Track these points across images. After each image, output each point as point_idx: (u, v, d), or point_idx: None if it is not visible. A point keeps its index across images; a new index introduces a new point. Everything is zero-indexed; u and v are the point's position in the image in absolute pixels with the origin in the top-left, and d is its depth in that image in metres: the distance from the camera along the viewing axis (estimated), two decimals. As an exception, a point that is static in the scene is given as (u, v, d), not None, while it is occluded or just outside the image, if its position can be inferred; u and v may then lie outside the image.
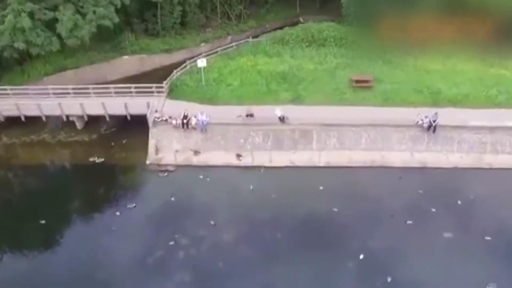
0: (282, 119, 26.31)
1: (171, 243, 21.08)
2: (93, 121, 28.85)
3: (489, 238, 21.08)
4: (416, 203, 23.22)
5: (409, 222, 22.00)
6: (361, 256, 20.20)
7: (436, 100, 28.50)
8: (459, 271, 19.58)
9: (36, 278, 19.59)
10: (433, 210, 22.72)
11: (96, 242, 21.32)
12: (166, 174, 25.37)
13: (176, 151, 26.22)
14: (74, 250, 20.97)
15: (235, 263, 20.23)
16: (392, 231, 21.61)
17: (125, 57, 34.65)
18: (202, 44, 37.93)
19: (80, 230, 22.37)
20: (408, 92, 29.28)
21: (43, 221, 22.28)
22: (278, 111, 26.48)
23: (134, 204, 23.29)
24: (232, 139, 26.48)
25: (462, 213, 22.69)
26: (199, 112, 26.43)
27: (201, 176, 25.02)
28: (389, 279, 19.15)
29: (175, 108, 27.56)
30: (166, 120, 26.59)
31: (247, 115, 26.59)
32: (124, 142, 27.90)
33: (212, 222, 21.96)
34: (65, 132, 28.84)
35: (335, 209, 22.65)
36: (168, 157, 26.11)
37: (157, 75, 32.47)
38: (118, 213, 22.82)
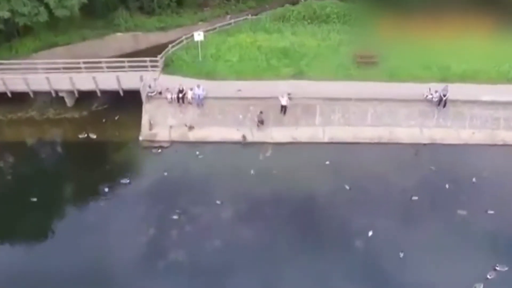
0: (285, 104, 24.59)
1: (174, 217, 19.79)
2: (83, 98, 27.24)
3: (492, 212, 19.97)
4: (428, 180, 21.83)
5: (422, 198, 20.58)
6: (370, 233, 18.85)
7: (445, 75, 27.01)
8: (474, 249, 18.25)
9: (25, 256, 18.30)
10: (447, 186, 21.29)
11: (89, 219, 19.96)
12: (159, 150, 23.87)
13: (171, 126, 24.75)
14: (68, 227, 19.67)
15: (234, 242, 18.73)
16: (405, 208, 20.22)
17: (119, 34, 33.09)
18: (200, 23, 36.30)
19: (72, 207, 20.95)
20: (415, 68, 27.82)
21: (35, 199, 20.78)
22: (284, 99, 24.41)
23: (128, 180, 21.85)
24: (230, 114, 24.99)
25: (476, 190, 21.27)
26: (196, 86, 24.92)
27: (197, 152, 23.54)
28: (401, 255, 17.82)
29: (170, 83, 25.95)
30: (160, 93, 25.10)
31: (258, 122, 24.66)
32: (116, 118, 26.35)
33: (218, 202, 20.39)
34: (54, 109, 27.22)
35: (347, 187, 21.22)
36: (163, 133, 24.61)
37: (152, 53, 30.55)
38: (107, 189, 21.34)
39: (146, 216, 20.08)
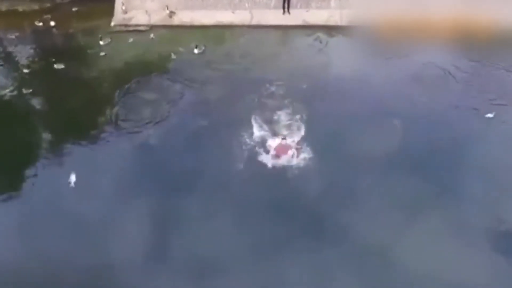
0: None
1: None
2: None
3: None
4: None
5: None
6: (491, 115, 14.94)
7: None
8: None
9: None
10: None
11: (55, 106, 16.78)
12: (130, 38, 19.10)
13: (151, 9, 19.87)
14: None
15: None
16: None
17: None
18: None
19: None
20: None
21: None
22: None
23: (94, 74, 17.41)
24: (225, -5, 20.17)
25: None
26: (181, -41, 20.07)
27: (182, 37, 18.75)
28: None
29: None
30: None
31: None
32: (86, 8, 21.22)
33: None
34: (8, 1, 22.29)
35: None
36: (140, 17, 19.76)
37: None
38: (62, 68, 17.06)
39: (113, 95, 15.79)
